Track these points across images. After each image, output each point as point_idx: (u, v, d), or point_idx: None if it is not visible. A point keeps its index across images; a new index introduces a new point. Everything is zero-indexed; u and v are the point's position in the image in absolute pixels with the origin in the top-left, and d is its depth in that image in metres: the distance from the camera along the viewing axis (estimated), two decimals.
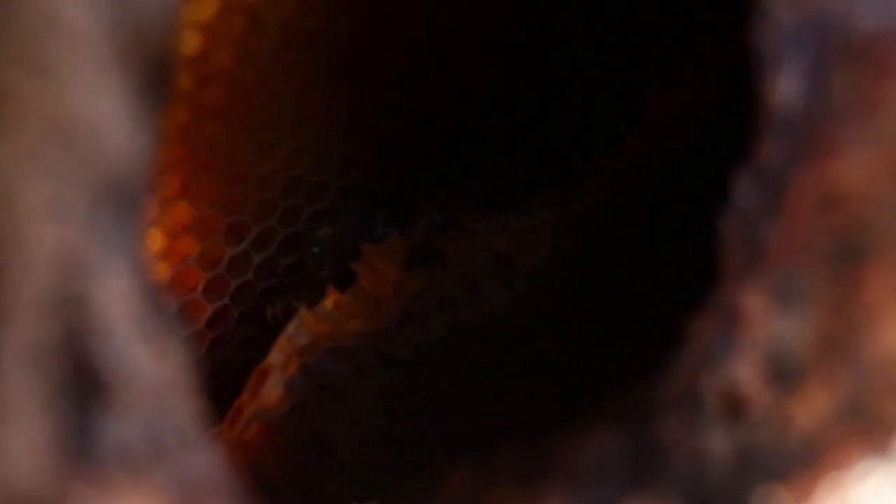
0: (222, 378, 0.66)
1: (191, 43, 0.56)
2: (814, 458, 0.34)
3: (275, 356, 0.59)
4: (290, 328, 0.60)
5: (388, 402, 0.61)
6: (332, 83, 0.62)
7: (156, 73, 0.33)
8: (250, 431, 0.59)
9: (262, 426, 0.59)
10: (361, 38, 0.61)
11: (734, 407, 0.39)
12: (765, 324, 0.39)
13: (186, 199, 0.61)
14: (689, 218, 0.59)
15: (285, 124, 0.61)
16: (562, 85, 0.70)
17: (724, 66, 0.64)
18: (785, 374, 0.37)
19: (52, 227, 0.26)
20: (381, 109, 0.64)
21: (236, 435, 0.59)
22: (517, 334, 0.62)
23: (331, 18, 0.60)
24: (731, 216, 0.42)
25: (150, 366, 0.32)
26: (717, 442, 0.39)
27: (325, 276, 0.64)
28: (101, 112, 0.28)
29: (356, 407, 0.61)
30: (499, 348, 0.63)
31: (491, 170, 0.67)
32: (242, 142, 0.60)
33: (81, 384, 0.29)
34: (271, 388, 0.58)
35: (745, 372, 0.39)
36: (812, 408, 0.35)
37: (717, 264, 0.43)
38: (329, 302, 0.60)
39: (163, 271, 0.62)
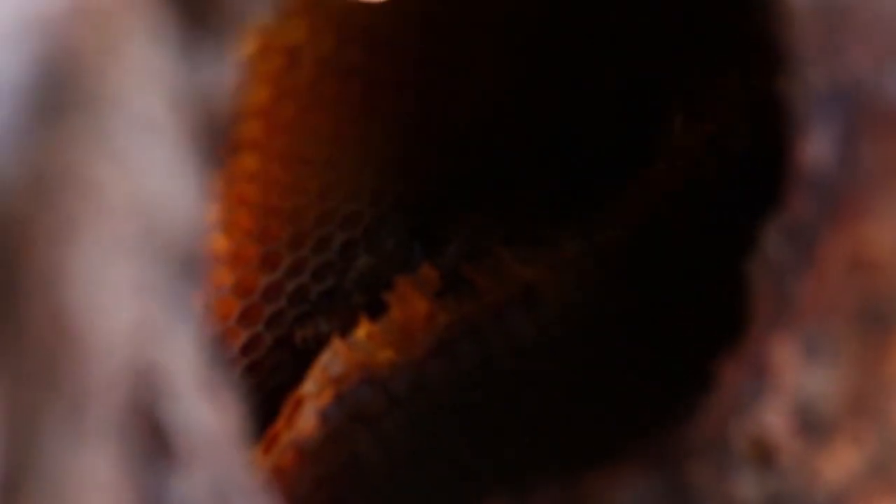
0: (254, 402, 0.69)
1: None
2: None
3: (309, 386, 0.62)
4: (324, 358, 0.62)
5: (422, 431, 0.64)
6: (365, 116, 0.64)
7: (215, 146, 0.36)
8: (285, 459, 0.61)
9: (297, 454, 0.61)
10: (394, 73, 0.64)
11: (764, 454, 0.42)
12: (794, 375, 0.41)
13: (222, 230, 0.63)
14: (717, 256, 0.61)
15: (320, 157, 0.63)
16: (591, 115, 0.73)
17: (750, 102, 0.67)
18: (813, 427, 0.39)
19: (134, 306, 0.29)
20: (412, 141, 0.67)
21: (272, 462, 0.61)
22: (546, 365, 0.64)
23: (365, 54, 0.62)
24: (760, 265, 0.44)
25: (213, 422, 0.34)
26: (747, 488, 0.41)
27: (356, 303, 0.66)
28: (175, 193, 0.30)
29: (390, 435, 0.63)
30: (528, 378, 0.65)
31: (520, 200, 0.69)
32: (278, 174, 0.63)
33: (155, 449, 0.31)
34: (306, 418, 0.61)
35: (775, 420, 0.42)
36: (840, 463, 0.37)
37: (744, 310, 0.46)
38: (362, 332, 0.63)
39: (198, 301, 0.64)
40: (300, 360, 0.66)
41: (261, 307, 0.66)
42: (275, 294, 0.66)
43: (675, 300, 0.64)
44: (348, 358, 0.62)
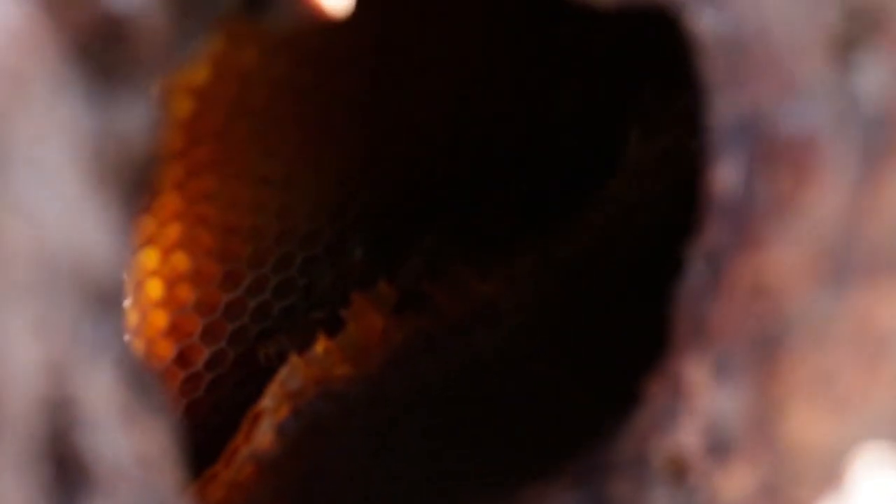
0: (221, 417, 0.71)
1: (183, 105, 0.61)
2: None
3: (267, 401, 0.64)
4: (282, 373, 0.64)
5: (378, 442, 0.66)
6: (321, 136, 0.66)
7: (139, 184, 0.38)
8: (244, 473, 0.63)
9: (256, 468, 0.63)
10: (349, 93, 0.66)
11: (677, 471, 0.44)
12: (705, 396, 0.43)
13: (183, 249, 0.65)
14: (662, 274, 0.63)
15: (277, 176, 0.66)
16: (550, 132, 0.75)
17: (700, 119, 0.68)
18: (719, 447, 0.41)
19: (39, 346, 0.31)
20: (371, 160, 0.69)
21: (231, 476, 0.63)
22: (500, 377, 0.66)
23: (319, 76, 0.64)
24: (683, 289, 0.46)
25: (133, 448, 0.36)
26: (660, 503, 0.43)
27: (316, 320, 0.68)
28: (84, 235, 0.33)
29: (347, 446, 0.65)
30: (482, 390, 0.67)
31: (478, 217, 0.71)
32: (236, 194, 0.65)
33: (71, 476, 0.33)
34: (264, 432, 0.63)
35: (688, 439, 0.43)
36: (736, 483, 0.39)
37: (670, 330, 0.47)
38: (319, 348, 0.65)
39: (162, 318, 0.66)
40: (264, 376, 0.68)
41: (223, 324, 0.68)
42: (237, 311, 0.68)
43: (623, 315, 0.66)
44: (306, 373, 0.64)
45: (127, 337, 0.41)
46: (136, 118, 0.36)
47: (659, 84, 0.72)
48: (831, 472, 0.35)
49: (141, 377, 0.40)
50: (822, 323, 0.36)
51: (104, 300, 0.35)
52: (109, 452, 0.35)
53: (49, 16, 0.31)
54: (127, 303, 0.65)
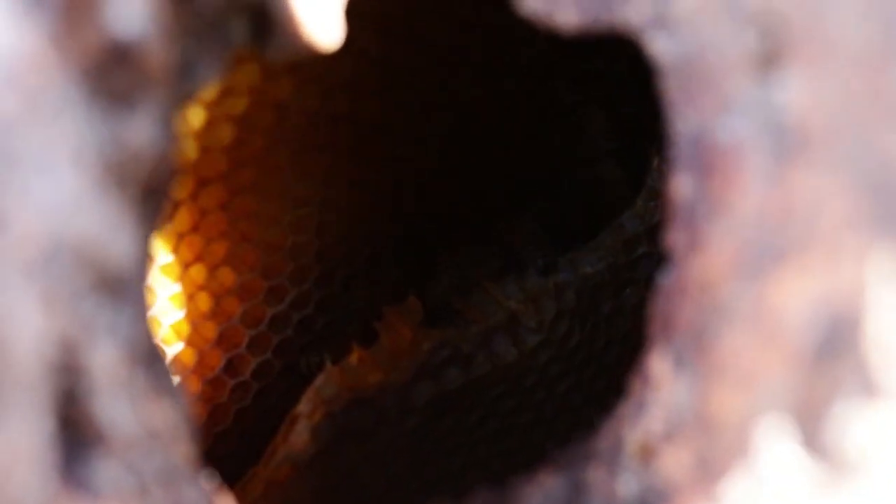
0: (269, 424, 0.77)
1: (226, 133, 0.67)
2: (670, 502, 0.43)
3: (303, 405, 0.69)
4: (319, 380, 0.70)
5: (408, 446, 0.71)
6: (356, 160, 0.72)
7: (152, 188, 0.44)
8: (281, 472, 0.69)
9: (292, 467, 0.69)
10: (380, 120, 0.71)
11: (644, 457, 0.48)
12: (667, 385, 0.47)
13: (229, 265, 0.71)
14: None
15: (315, 198, 0.71)
16: (580, 153, 0.80)
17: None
18: (672, 431, 0.45)
19: (45, 316, 0.37)
20: (404, 182, 0.74)
21: (269, 474, 0.69)
22: (518, 383, 0.71)
23: (353, 103, 0.70)
24: (657, 292, 0.51)
25: (136, 418, 0.42)
26: (627, 485, 0.48)
27: (353, 332, 0.74)
28: (86, 224, 0.39)
29: (378, 450, 0.71)
30: (509, 397, 0.72)
31: (505, 236, 0.76)
32: (276, 213, 0.71)
33: (82, 436, 0.39)
34: (299, 434, 0.69)
35: (654, 427, 0.48)
36: (680, 461, 0.43)
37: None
38: (354, 357, 0.70)
39: (211, 330, 0.73)
40: (307, 386, 0.73)
41: (268, 336, 0.74)
42: (281, 324, 0.74)
43: (636, 323, 0.71)
44: (340, 380, 0.70)
45: (146, 327, 0.47)
46: (142, 133, 0.42)
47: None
48: (743, 442, 0.39)
49: (152, 361, 0.46)
50: (735, 308, 0.40)
51: (110, 286, 0.41)
52: (120, 420, 0.41)
53: (57, 41, 0.37)
54: (180, 312, 0.72)
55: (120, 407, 0.41)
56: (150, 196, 0.44)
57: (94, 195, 0.39)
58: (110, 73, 0.40)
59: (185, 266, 0.71)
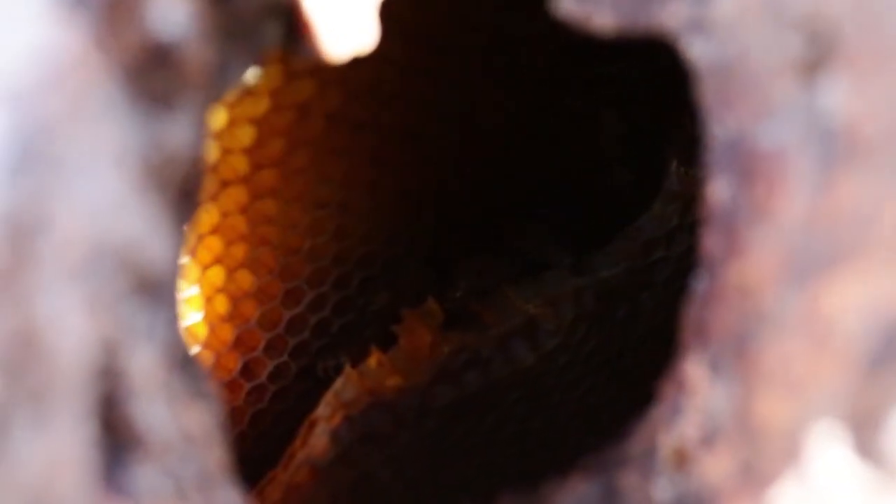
0: (285, 427, 0.76)
1: (247, 134, 0.66)
2: None
3: (322, 409, 0.69)
4: (337, 384, 0.69)
5: (426, 449, 0.71)
6: (375, 164, 0.72)
7: (187, 190, 0.43)
8: (300, 475, 0.69)
9: (311, 471, 0.68)
10: (399, 124, 0.71)
11: (678, 461, 0.48)
12: (703, 392, 0.47)
13: (248, 268, 0.71)
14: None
15: (334, 201, 0.71)
16: (595, 158, 0.80)
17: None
18: (710, 436, 0.45)
19: (90, 320, 0.36)
20: (422, 186, 0.74)
21: (288, 478, 0.69)
22: (537, 386, 0.71)
23: (373, 108, 0.70)
24: (690, 296, 0.50)
25: (173, 422, 0.42)
26: (662, 491, 0.47)
27: (371, 335, 0.73)
28: (129, 228, 0.38)
29: (397, 453, 0.70)
30: (526, 400, 0.72)
31: (523, 240, 0.76)
32: (295, 217, 0.71)
33: (121, 439, 0.39)
34: (318, 437, 0.68)
35: (689, 432, 0.48)
36: (721, 465, 0.43)
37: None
38: (372, 361, 0.70)
39: (228, 332, 0.72)
40: (323, 389, 0.73)
41: (285, 339, 0.74)
42: (298, 327, 0.74)
43: (662, 328, 0.71)
44: (359, 384, 0.69)
45: (180, 330, 0.47)
46: (180, 135, 0.42)
47: (697, 116, 0.76)
48: (792, 449, 0.39)
49: (188, 365, 0.46)
50: (782, 315, 0.40)
51: (148, 288, 0.40)
52: (158, 424, 0.41)
53: (100, 42, 0.37)
54: (197, 315, 0.71)
55: (158, 411, 0.41)
56: (185, 198, 0.44)
57: (135, 198, 0.38)
58: (151, 75, 0.40)
59: (204, 268, 0.71)
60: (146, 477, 0.39)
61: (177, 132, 0.41)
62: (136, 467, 0.39)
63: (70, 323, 0.36)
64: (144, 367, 0.40)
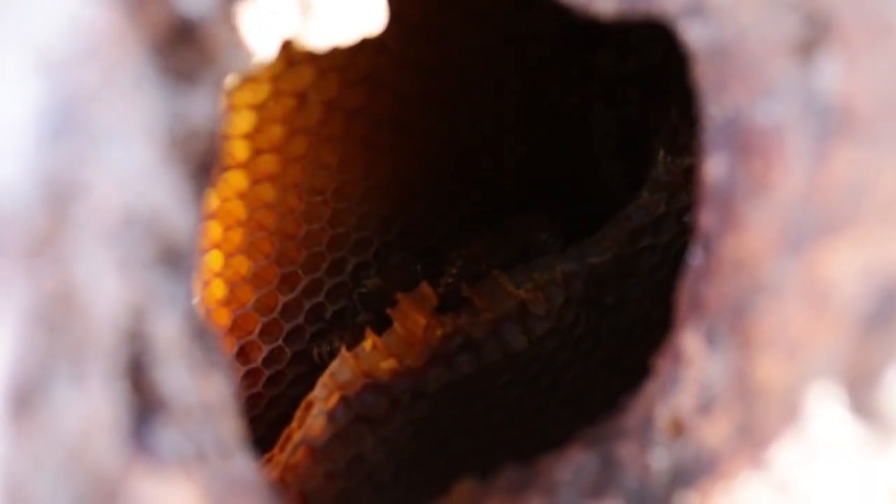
0: (278, 410, 0.78)
1: (247, 121, 0.68)
2: (713, 469, 0.45)
3: (319, 390, 0.71)
4: (333, 366, 0.71)
5: (420, 431, 0.72)
6: (370, 151, 0.73)
7: (205, 164, 0.45)
8: (297, 456, 0.70)
9: (308, 451, 0.70)
10: (395, 113, 0.73)
11: (676, 430, 0.50)
12: (699, 363, 0.49)
13: (245, 253, 0.73)
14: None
15: (329, 188, 0.73)
16: (585, 149, 0.82)
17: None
18: (706, 403, 0.47)
19: (121, 284, 0.38)
20: (416, 172, 0.76)
21: (285, 459, 0.70)
22: (529, 369, 0.73)
23: (369, 96, 0.72)
24: (685, 271, 0.52)
25: (194, 389, 0.44)
26: (659, 460, 0.49)
27: (364, 320, 0.75)
28: (156, 196, 0.40)
29: (391, 435, 0.72)
30: (517, 384, 0.74)
31: (515, 227, 0.78)
32: (292, 203, 0.72)
33: (148, 402, 0.40)
34: (315, 418, 0.70)
35: (685, 402, 0.50)
36: (718, 430, 0.45)
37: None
38: (368, 344, 0.72)
39: (224, 316, 0.74)
40: (318, 374, 0.75)
41: (280, 323, 0.75)
42: (293, 312, 0.76)
43: (647, 308, 0.73)
44: (354, 366, 0.71)
45: (195, 303, 0.48)
46: (202, 109, 0.43)
47: (684, 105, 0.79)
48: (790, 409, 0.41)
49: (205, 336, 0.47)
50: (780, 283, 0.42)
51: (172, 258, 0.42)
52: (180, 390, 0.43)
53: (132, 18, 0.39)
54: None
55: (180, 377, 0.42)
56: (203, 173, 0.46)
57: (162, 169, 0.40)
58: (177, 50, 0.42)
59: (202, 253, 0.72)
60: (171, 439, 0.41)
61: (198, 107, 0.43)
62: (161, 429, 0.41)
63: (104, 286, 0.37)
64: (169, 335, 0.41)
